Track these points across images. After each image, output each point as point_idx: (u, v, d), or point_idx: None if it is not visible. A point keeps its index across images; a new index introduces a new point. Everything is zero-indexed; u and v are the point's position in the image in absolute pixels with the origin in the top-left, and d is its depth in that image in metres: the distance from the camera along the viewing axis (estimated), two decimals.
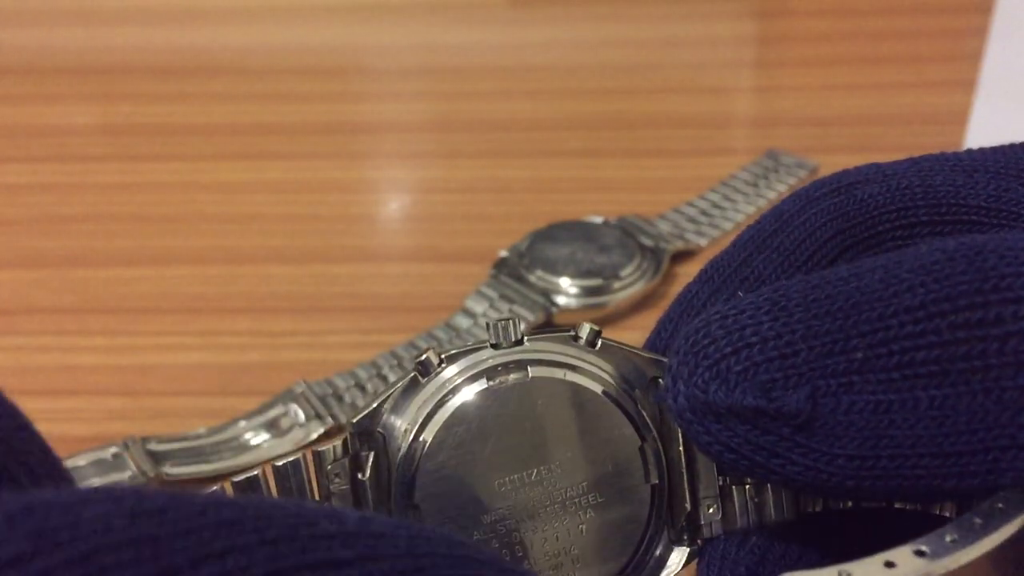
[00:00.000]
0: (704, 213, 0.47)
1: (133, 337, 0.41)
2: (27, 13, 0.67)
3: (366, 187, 0.54)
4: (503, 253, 0.43)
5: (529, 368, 0.17)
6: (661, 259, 0.43)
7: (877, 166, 0.21)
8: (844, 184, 0.21)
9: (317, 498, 0.17)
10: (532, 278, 0.42)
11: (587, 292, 0.41)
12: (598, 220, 0.45)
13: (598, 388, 0.18)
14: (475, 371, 0.17)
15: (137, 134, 0.56)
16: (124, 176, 0.52)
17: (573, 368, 0.18)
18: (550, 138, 0.54)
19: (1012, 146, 0.20)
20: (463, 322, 0.40)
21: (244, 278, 0.45)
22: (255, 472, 0.17)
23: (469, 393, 0.17)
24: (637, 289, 0.42)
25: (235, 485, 0.17)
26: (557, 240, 0.44)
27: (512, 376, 0.17)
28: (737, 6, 0.67)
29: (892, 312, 0.15)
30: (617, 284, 0.42)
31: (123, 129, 0.57)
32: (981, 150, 0.21)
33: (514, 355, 0.18)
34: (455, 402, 0.17)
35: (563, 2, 0.67)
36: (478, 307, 0.41)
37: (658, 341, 0.20)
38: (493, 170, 0.52)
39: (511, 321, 0.18)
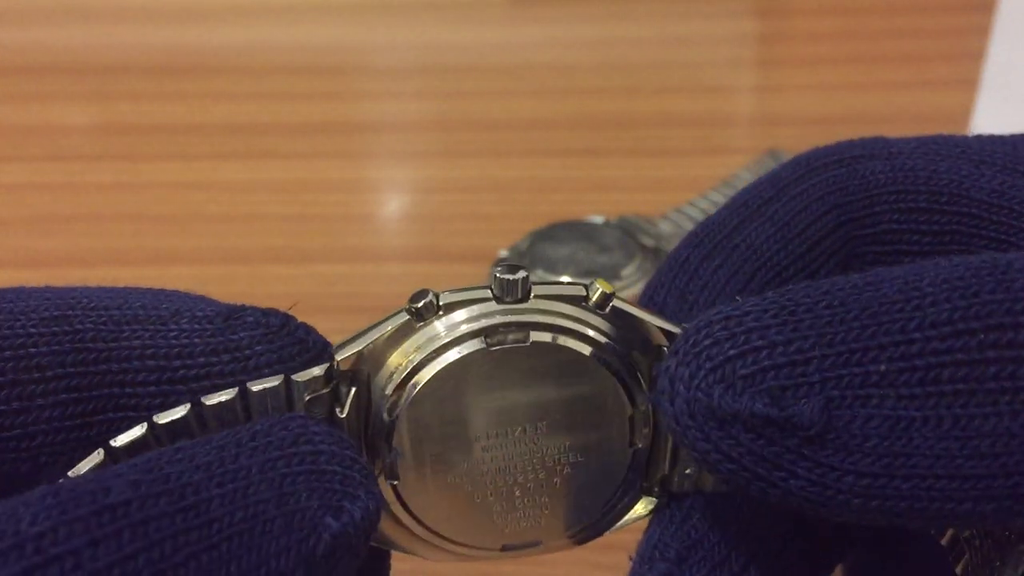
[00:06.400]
0: (705, 213, 0.46)
1: None
2: (25, 12, 0.67)
3: (366, 187, 0.53)
4: (503, 253, 0.43)
5: (531, 332, 0.17)
6: (662, 259, 0.43)
7: (884, 141, 0.20)
8: (847, 156, 0.20)
9: None
10: (532, 278, 0.42)
11: None
12: (598, 220, 0.45)
13: (596, 354, 0.17)
14: (474, 327, 0.17)
15: (135, 133, 0.56)
16: (122, 176, 0.52)
17: (574, 334, 0.17)
18: (550, 138, 0.54)
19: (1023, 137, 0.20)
20: None
21: (244, 278, 0.45)
22: (231, 395, 0.16)
23: (465, 349, 0.17)
24: (638, 289, 0.42)
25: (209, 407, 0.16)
26: (557, 240, 0.43)
27: (511, 337, 0.17)
28: (738, 5, 0.67)
29: (916, 326, 0.14)
30: (618, 284, 0.41)
31: (122, 128, 0.56)
32: (991, 139, 0.20)
33: (517, 315, 0.17)
34: (449, 356, 0.17)
35: (563, 1, 0.67)
36: None
37: (650, 306, 0.19)
38: (493, 170, 0.52)
39: (519, 281, 0.17)
